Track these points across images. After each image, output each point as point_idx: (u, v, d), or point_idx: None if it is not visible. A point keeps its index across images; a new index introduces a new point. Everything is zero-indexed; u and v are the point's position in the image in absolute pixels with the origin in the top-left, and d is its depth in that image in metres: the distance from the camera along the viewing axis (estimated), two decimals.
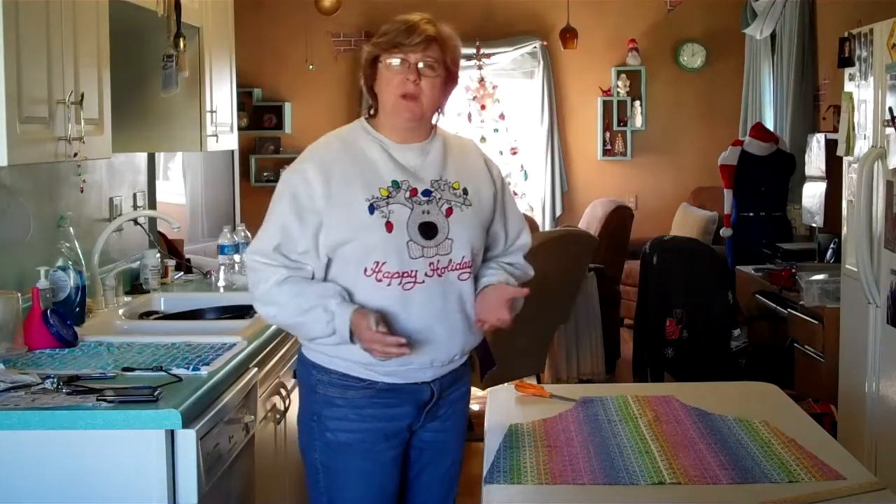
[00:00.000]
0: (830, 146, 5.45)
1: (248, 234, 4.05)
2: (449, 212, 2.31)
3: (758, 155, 6.39)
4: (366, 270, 2.26)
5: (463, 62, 8.12)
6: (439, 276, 2.29)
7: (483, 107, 8.22)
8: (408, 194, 2.29)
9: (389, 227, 2.25)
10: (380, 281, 2.26)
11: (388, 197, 2.27)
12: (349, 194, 2.27)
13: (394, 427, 2.36)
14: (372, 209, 2.26)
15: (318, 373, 2.36)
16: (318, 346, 2.34)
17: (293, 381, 3.13)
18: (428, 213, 2.29)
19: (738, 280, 5.88)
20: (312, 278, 2.31)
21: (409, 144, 2.35)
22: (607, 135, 8.63)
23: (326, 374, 2.35)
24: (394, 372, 2.31)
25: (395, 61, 2.28)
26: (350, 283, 2.29)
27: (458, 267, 2.32)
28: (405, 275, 2.26)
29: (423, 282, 2.28)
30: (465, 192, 2.36)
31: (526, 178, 8.45)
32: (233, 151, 6.32)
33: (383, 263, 2.25)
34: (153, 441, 2.12)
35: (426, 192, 2.31)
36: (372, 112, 2.39)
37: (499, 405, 2.80)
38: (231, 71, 4.08)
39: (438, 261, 2.29)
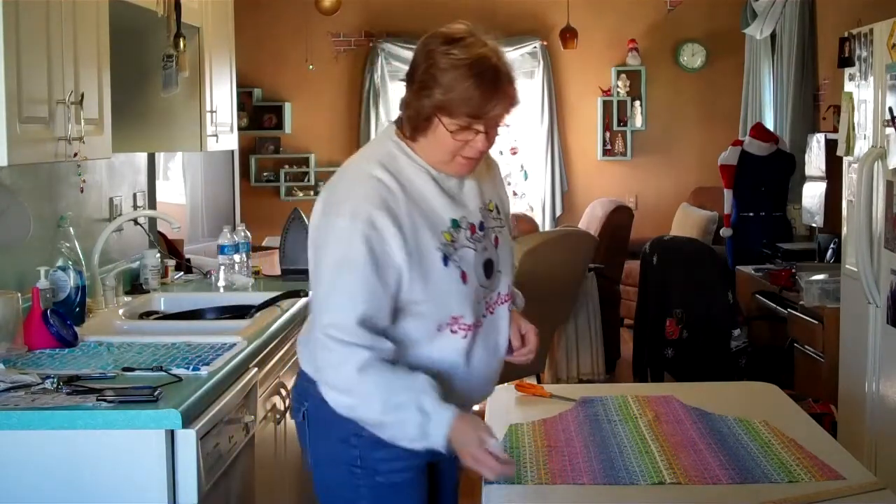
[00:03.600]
0: (830, 146, 5.45)
1: (248, 234, 4.04)
2: (496, 241, 2.09)
3: (758, 155, 6.39)
4: (440, 327, 2.01)
5: None
6: (491, 313, 2.09)
7: None
8: (468, 233, 2.02)
9: (465, 277, 1.99)
10: (455, 333, 2.01)
11: (452, 241, 1.99)
12: (422, 243, 1.95)
13: (429, 457, 2.12)
14: (446, 260, 1.97)
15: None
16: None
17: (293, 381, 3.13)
18: (486, 249, 2.04)
19: (738, 280, 5.88)
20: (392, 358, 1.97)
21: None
22: (607, 135, 8.63)
23: None
24: None
25: (467, 131, 1.97)
26: (422, 338, 2.02)
27: (505, 300, 2.13)
28: (477, 324, 2.04)
29: (480, 325, 2.06)
30: (498, 210, 2.14)
31: (526, 178, 8.45)
32: (233, 151, 6.33)
33: (461, 317, 2.01)
34: (153, 441, 2.11)
35: (481, 226, 2.05)
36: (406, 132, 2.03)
37: (499, 405, 2.80)
38: (231, 71, 4.08)
39: (491, 297, 2.08)
